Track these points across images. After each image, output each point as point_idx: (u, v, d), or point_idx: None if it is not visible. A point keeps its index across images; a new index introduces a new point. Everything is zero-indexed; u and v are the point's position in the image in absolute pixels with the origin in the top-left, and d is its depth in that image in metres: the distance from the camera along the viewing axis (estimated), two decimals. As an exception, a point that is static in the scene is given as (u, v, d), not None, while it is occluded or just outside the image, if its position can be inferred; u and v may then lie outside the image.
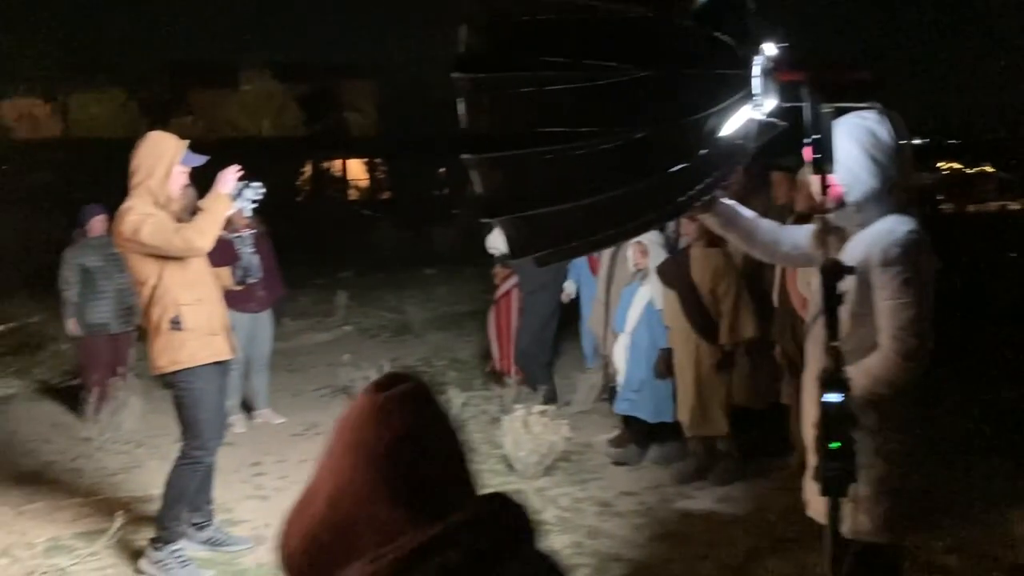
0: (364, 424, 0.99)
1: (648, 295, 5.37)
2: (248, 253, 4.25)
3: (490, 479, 5.30)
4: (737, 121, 2.28)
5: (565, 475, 5.25)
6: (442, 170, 24.46)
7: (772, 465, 5.10)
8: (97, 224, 6.79)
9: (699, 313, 4.99)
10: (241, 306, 6.11)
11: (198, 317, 3.99)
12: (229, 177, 4.01)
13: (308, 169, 25.89)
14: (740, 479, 5.03)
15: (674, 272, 5.11)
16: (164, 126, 23.60)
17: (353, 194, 26.90)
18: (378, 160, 26.80)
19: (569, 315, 7.13)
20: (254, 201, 4.14)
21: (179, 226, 3.88)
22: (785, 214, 4.55)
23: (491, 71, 2.24)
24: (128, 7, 22.69)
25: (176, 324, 3.93)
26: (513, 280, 7.07)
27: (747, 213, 2.73)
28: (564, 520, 4.63)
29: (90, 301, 6.73)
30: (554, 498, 4.93)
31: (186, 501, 4.10)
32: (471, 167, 2.38)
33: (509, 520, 1.01)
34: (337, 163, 26.96)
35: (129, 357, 7.05)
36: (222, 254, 4.06)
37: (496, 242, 6.94)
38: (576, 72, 2.19)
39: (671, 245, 5.55)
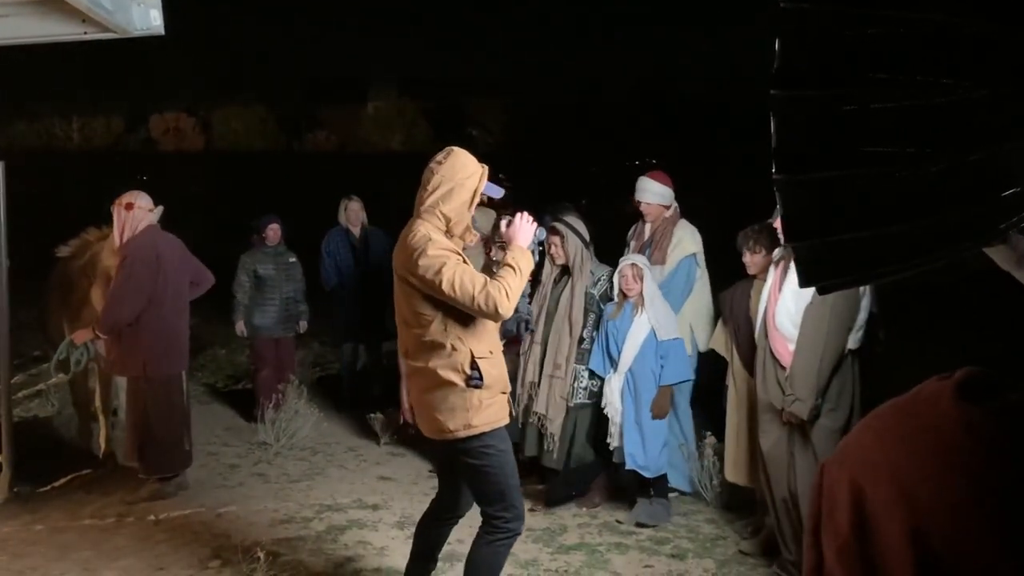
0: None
1: (648, 324, 4.85)
2: (524, 302, 3.68)
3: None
4: (1075, 143, 2.12)
5: None
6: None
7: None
8: (272, 233, 7.00)
9: (751, 352, 4.41)
10: None
11: (493, 372, 3.36)
12: (527, 227, 3.46)
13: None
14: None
15: (735, 304, 4.61)
16: (300, 141, 24.57)
17: (476, 207, 27.30)
18: (501, 176, 27.08)
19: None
20: (540, 245, 3.59)
21: (484, 283, 3.23)
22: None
23: (812, 88, 2.14)
24: (268, 26, 23.66)
25: (475, 381, 3.29)
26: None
27: None
28: None
29: (257, 305, 6.94)
30: None
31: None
32: (778, 188, 2.28)
33: None
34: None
35: (294, 363, 7.25)
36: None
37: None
38: (907, 90, 2.06)
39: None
